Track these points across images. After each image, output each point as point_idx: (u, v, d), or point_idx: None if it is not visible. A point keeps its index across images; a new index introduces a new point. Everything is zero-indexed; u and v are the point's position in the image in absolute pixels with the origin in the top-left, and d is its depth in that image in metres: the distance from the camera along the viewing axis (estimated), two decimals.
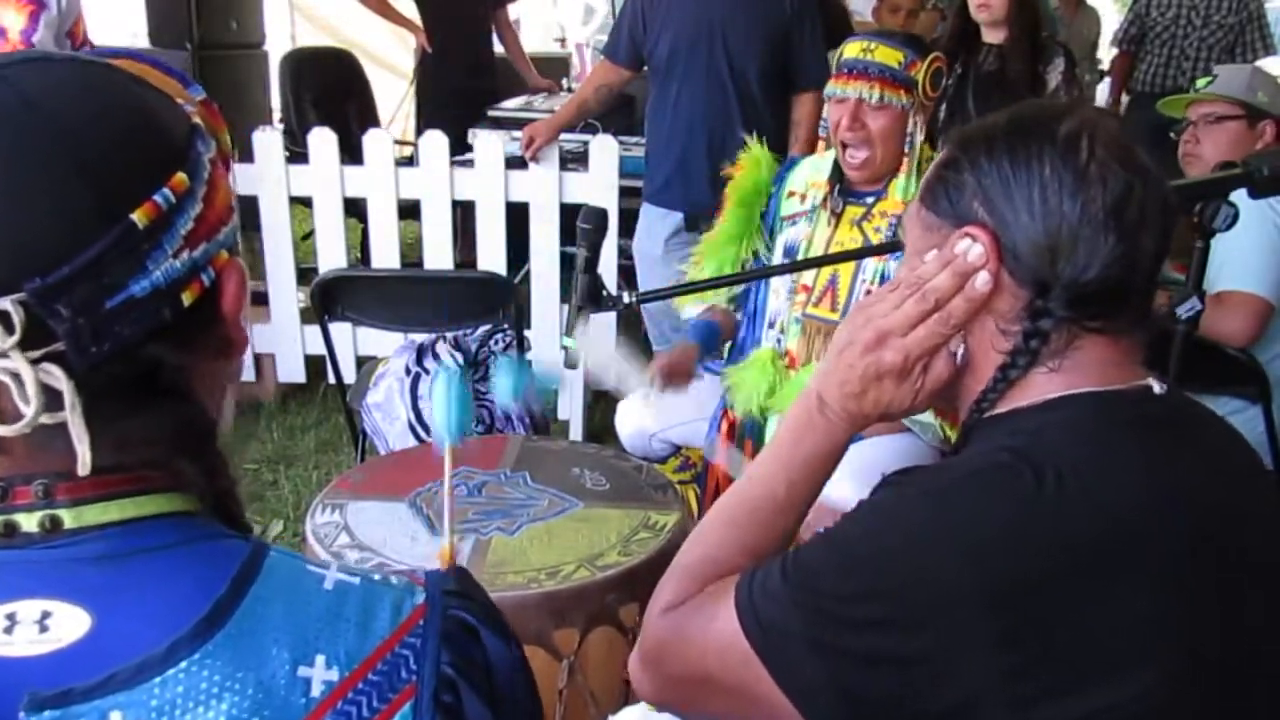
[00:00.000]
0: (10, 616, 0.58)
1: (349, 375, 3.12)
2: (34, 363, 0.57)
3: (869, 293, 2.05)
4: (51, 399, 0.57)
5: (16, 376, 0.56)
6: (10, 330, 0.56)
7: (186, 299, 0.62)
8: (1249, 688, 0.84)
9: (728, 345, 2.36)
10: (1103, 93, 5.60)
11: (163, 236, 0.60)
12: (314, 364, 3.65)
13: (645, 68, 3.36)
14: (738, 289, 2.31)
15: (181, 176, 0.62)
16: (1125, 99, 5.16)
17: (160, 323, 0.61)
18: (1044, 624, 0.78)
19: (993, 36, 3.23)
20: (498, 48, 5.30)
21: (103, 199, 0.58)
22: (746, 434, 2.22)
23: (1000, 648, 0.77)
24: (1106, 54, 5.88)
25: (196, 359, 0.66)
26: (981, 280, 0.87)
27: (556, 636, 1.56)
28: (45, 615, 0.58)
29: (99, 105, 0.61)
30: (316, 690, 0.59)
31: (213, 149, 0.66)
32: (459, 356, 2.66)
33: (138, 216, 0.59)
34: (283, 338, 3.68)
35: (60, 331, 0.57)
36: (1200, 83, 2.52)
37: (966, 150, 0.91)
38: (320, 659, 0.60)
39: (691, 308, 2.39)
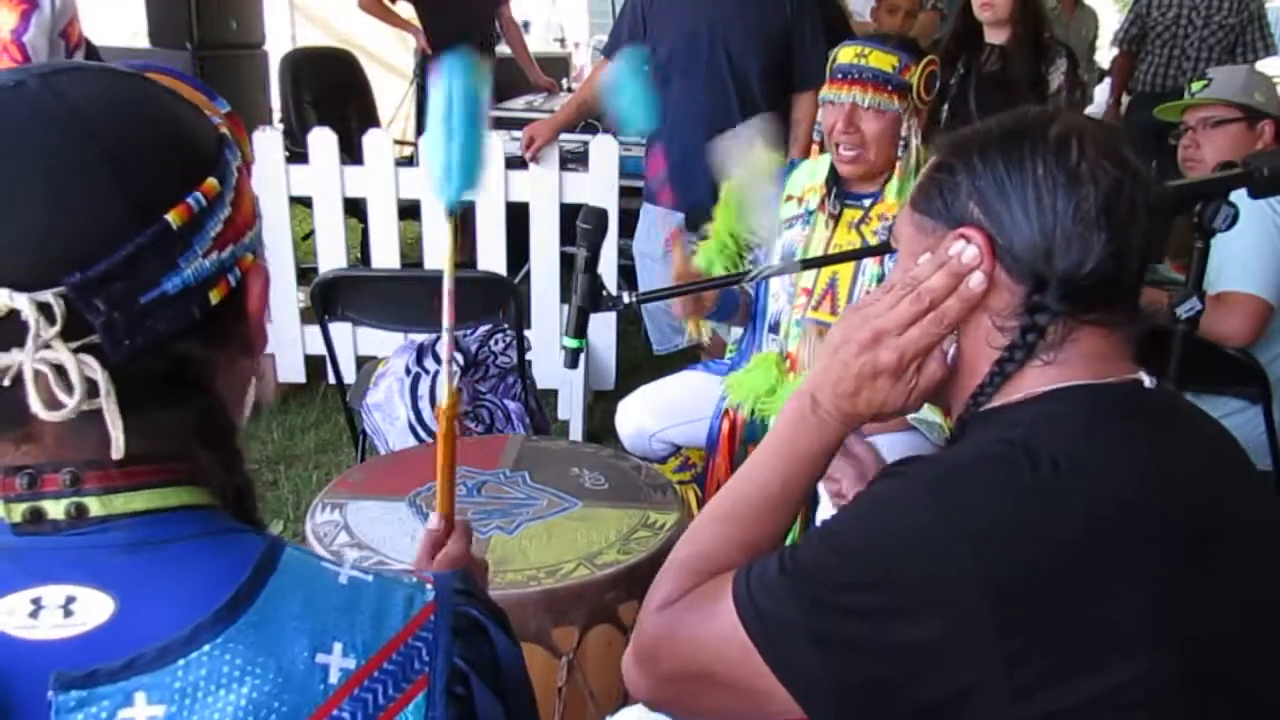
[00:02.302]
0: (36, 601, 0.60)
1: (349, 375, 3.13)
2: (72, 353, 0.59)
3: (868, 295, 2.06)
4: (87, 388, 0.60)
5: (56, 367, 0.59)
6: (52, 321, 0.59)
7: (214, 297, 0.65)
8: (1246, 676, 0.84)
9: (731, 343, 2.36)
10: (1102, 93, 5.61)
11: (194, 237, 0.63)
12: (314, 364, 3.65)
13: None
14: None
15: (213, 182, 0.65)
16: (1125, 99, 5.16)
17: (190, 319, 0.64)
18: (1043, 612, 0.78)
19: (995, 37, 3.23)
20: (498, 48, 5.31)
21: (139, 201, 0.61)
22: (749, 437, 2.22)
23: (999, 636, 0.78)
24: (1105, 54, 5.89)
25: (222, 355, 0.69)
26: (976, 280, 0.89)
27: (555, 634, 1.56)
28: (70, 600, 0.60)
29: (136, 113, 0.65)
30: (334, 677, 0.61)
31: (239, 158, 0.69)
32: (459, 357, 2.66)
33: (172, 217, 0.62)
34: (283, 338, 3.68)
35: (96, 325, 0.60)
36: (1195, 86, 2.51)
37: (958, 154, 0.92)
38: (338, 647, 0.62)
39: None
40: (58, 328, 0.59)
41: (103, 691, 0.57)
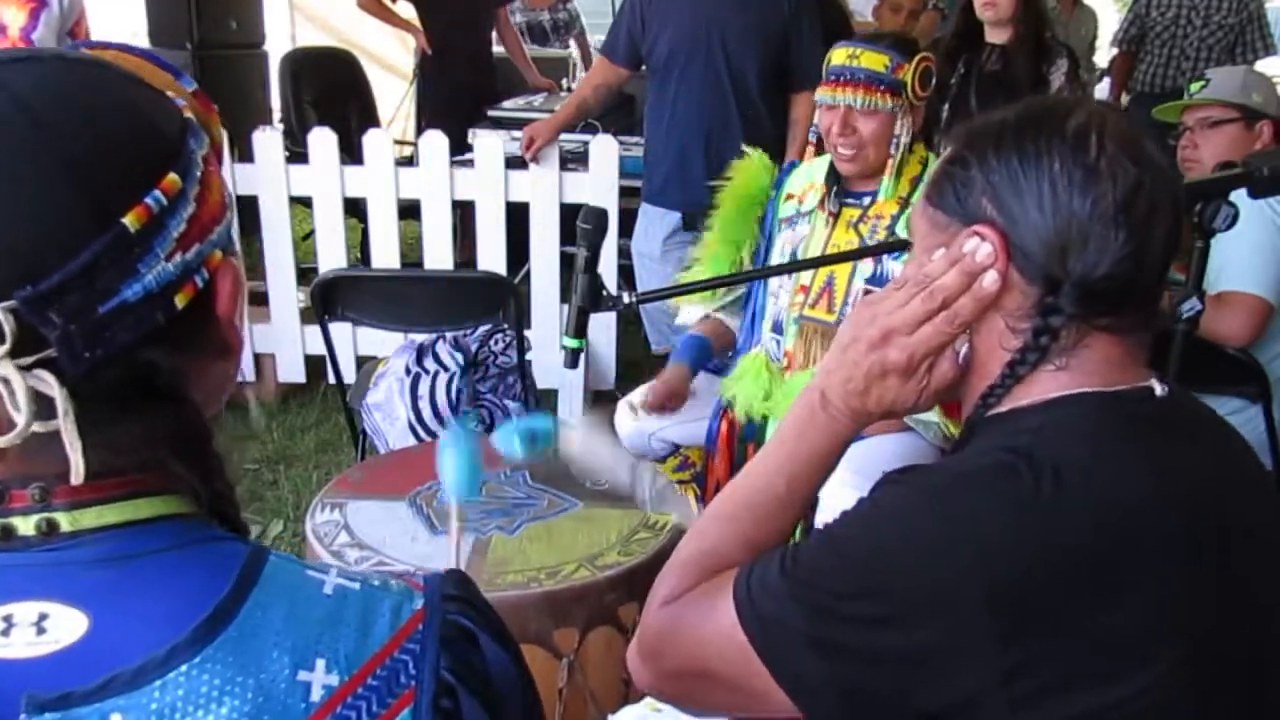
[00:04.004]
0: (7, 619, 0.58)
1: (349, 375, 3.12)
2: (26, 369, 0.56)
3: (866, 294, 2.06)
4: (44, 406, 0.57)
5: (7, 383, 0.56)
6: (1, 339, 0.55)
7: (179, 302, 0.61)
8: (1253, 680, 0.84)
9: (728, 353, 2.37)
10: (1102, 93, 5.61)
11: (154, 239, 0.59)
12: (314, 364, 3.65)
13: (643, 67, 3.37)
14: (738, 292, 2.32)
15: (173, 177, 0.61)
16: (1125, 99, 5.16)
17: (153, 326, 0.60)
18: (1044, 623, 0.78)
19: (996, 36, 3.23)
20: (498, 47, 5.30)
21: (93, 203, 0.58)
22: (748, 437, 2.22)
23: (1000, 646, 0.77)
24: (1104, 54, 5.89)
25: (191, 361, 0.65)
26: (989, 279, 0.87)
27: (556, 636, 1.56)
28: (43, 617, 0.58)
29: (89, 106, 0.61)
30: (316, 695, 0.59)
31: (205, 145, 0.65)
32: (459, 356, 2.66)
33: (129, 220, 0.58)
34: (283, 338, 3.68)
35: (52, 338, 0.56)
36: (1194, 87, 2.51)
37: (974, 147, 0.90)
38: (320, 663, 0.60)
39: (689, 311, 2.39)
40: (7, 346, 0.55)
41: (77, 713, 0.55)
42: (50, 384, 0.56)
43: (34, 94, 0.59)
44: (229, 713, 0.57)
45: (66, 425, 0.57)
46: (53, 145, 0.58)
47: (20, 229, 0.56)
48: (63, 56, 0.64)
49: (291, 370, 3.73)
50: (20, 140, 0.57)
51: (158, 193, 0.59)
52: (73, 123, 0.59)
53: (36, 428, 0.57)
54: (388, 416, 2.60)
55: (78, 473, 0.58)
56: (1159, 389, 0.89)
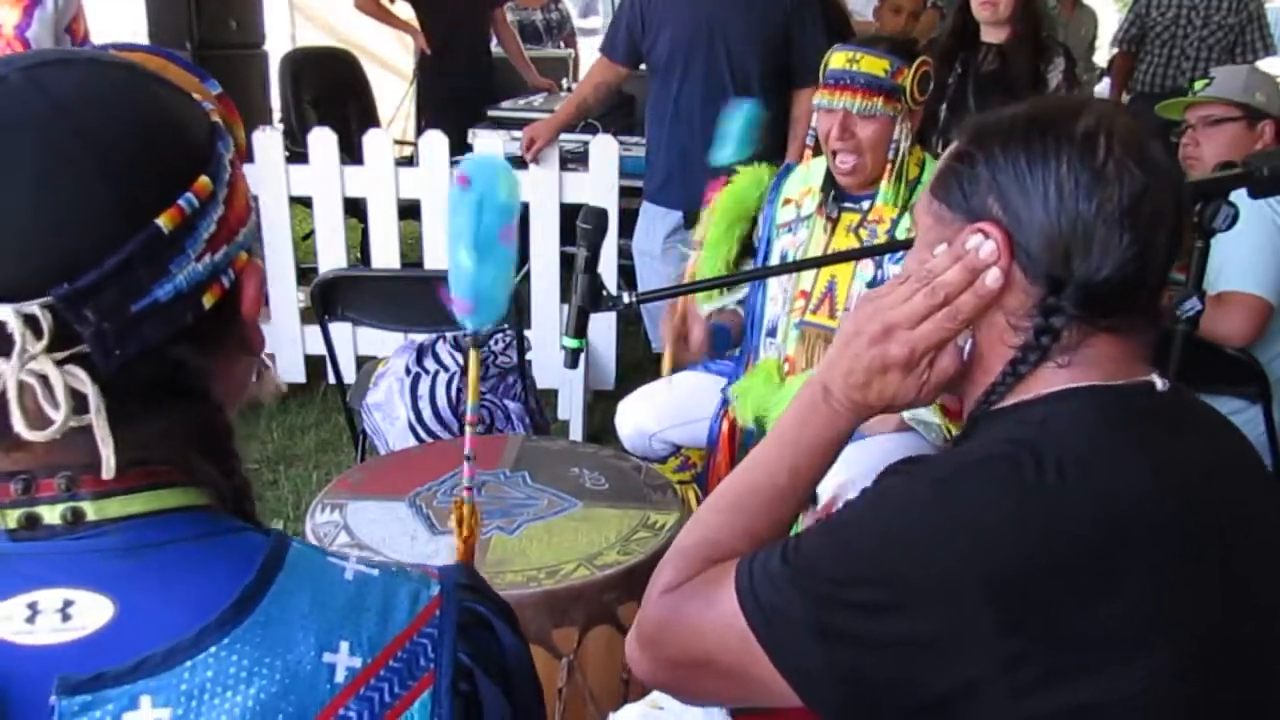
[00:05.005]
0: (32, 606, 0.59)
1: (349, 375, 3.12)
2: (59, 364, 0.57)
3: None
4: (76, 401, 0.58)
5: (43, 378, 0.57)
6: (39, 335, 0.56)
7: (207, 302, 0.63)
8: (1254, 671, 0.84)
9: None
10: (1101, 93, 5.61)
11: (186, 241, 0.61)
12: (314, 364, 3.65)
13: (643, 65, 3.37)
14: (742, 292, 2.31)
15: (205, 180, 0.62)
16: (1125, 99, 5.16)
17: (182, 325, 0.62)
18: (1045, 611, 0.78)
19: (992, 35, 3.22)
20: (497, 48, 5.31)
21: (129, 204, 0.59)
22: (749, 441, 2.21)
23: (1001, 634, 0.78)
24: (1104, 53, 5.89)
25: (216, 360, 0.67)
26: (992, 277, 0.87)
27: (556, 635, 1.56)
28: (67, 604, 0.59)
29: (124, 108, 0.62)
30: (341, 676, 0.61)
31: (231, 148, 0.67)
32: (459, 356, 2.66)
33: (163, 221, 0.60)
34: (283, 338, 3.68)
35: (86, 335, 0.58)
36: (1197, 85, 2.51)
37: (981, 143, 0.90)
38: (344, 646, 0.61)
39: (705, 304, 2.39)
40: (45, 342, 0.56)
41: (108, 695, 0.56)
42: (83, 380, 0.58)
43: (72, 97, 0.60)
44: (257, 693, 0.58)
45: (98, 421, 0.59)
46: (91, 147, 0.59)
47: (58, 228, 0.58)
48: (96, 59, 0.65)
49: (291, 370, 3.73)
50: (60, 141, 0.59)
51: (190, 195, 0.61)
52: (110, 125, 0.60)
53: (71, 422, 0.58)
54: (388, 416, 2.60)
55: (109, 468, 0.59)
56: (1160, 384, 0.90)
